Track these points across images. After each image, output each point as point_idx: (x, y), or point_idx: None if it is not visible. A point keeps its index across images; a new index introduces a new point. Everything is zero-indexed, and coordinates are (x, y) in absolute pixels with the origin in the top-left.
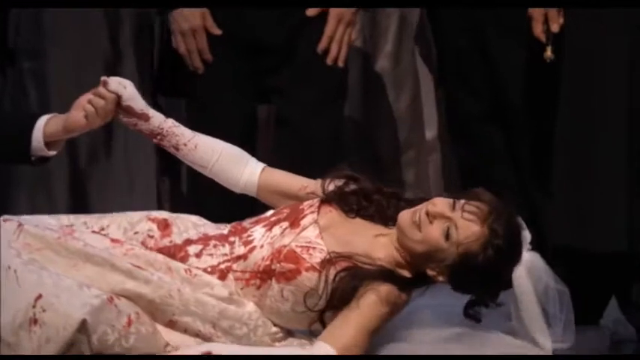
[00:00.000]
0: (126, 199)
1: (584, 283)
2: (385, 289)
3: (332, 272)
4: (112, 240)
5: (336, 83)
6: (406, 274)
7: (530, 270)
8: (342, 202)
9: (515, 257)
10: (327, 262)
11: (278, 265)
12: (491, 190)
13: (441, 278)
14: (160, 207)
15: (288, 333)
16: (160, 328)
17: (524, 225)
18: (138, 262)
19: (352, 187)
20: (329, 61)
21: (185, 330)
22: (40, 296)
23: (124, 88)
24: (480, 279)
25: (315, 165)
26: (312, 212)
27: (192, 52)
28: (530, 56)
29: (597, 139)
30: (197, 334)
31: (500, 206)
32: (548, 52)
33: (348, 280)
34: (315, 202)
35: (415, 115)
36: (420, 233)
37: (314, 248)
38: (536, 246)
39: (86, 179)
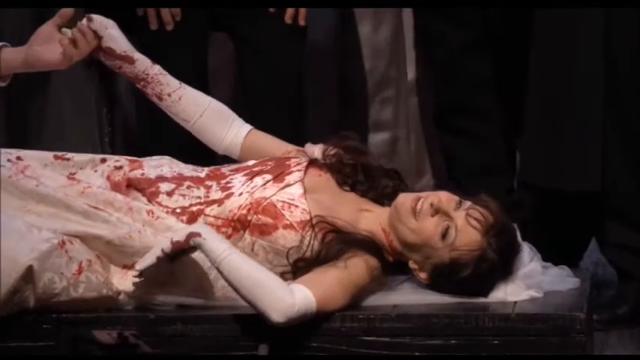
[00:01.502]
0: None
1: (562, 224)
2: (372, 262)
3: (312, 235)
4: (69, 177)
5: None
6: (388, 257)
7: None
8: (339, 171)
9: (503, 276)
10: (308, 225)
11: (255, 216)
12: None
13: (422, 275)
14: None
15: None
16: (116, 271)
17: (522, 245)
18: (96, 202)
19: (351, 159)
20: (287, 19)
21: None
22: None
23: (106, 28)
24: (462, 288)
25: (274, 93)
26: (299, 171)
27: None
28: None
29: (572, 77)
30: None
31: (505, 221)
32: None
33: (335, 243)
34: (303, 161)
35: (396, 50)
36: (416, 222)
37: (296, 207)
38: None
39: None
